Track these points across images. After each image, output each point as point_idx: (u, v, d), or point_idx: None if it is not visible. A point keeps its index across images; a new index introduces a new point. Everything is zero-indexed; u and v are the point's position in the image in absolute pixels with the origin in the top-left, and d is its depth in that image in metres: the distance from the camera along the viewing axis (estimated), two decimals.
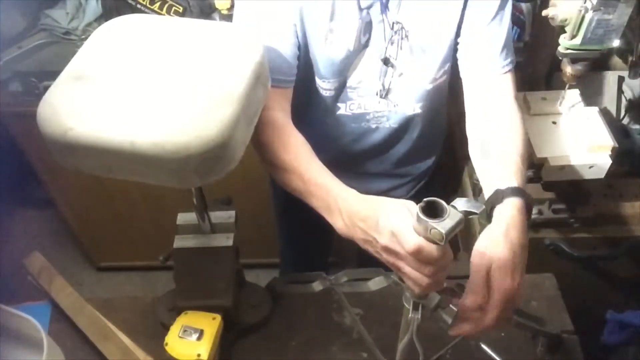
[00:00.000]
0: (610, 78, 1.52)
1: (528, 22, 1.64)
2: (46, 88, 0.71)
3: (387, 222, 0.69)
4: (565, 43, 1.16)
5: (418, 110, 1.08)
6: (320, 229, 1.50)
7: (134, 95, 0.70)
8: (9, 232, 2.31)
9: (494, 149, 0.89)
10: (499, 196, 0.79)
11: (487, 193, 0.83)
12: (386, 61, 0.98)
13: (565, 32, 1.16)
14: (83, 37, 1.64)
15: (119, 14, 0.82)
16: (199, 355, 0.86)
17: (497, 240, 0.73)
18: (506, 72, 0.98)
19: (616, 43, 1.13)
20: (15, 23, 1.66)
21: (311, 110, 1.10)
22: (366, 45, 0.97)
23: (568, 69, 1.21)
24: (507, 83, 0.98)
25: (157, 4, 1.57)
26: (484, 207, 0.64)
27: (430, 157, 1.26)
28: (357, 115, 1.08)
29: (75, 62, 0.74)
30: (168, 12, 1.57)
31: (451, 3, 0.95)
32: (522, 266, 0.74)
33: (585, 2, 1.07)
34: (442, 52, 0.99)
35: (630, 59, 1.33)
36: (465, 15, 0.97)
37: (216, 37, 0.79)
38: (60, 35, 1.67)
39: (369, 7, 0.94)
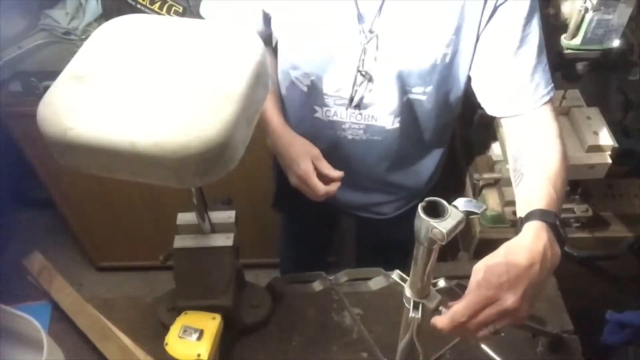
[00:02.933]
0: (611, 78, 1.51)
1: None
2: (46, 88, 0.71)
3: (298, 171, 1.05)
4: (565, 43, 1.16)
5: (396, 125, 1.05)
6: (320, 228, 1.51)
7: (134, 95, 0.69)
8: (9, 232, 2.31)
9: (523, 175, 0.86)
10: (520, 224, 0.78)
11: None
12: (359, 71, 0.98)
13: (565, 32, 1.16)
14: (83, 37, 1.64)
15: (119, 14, 0.82)
16: (199, 355, 0.86)
17: (496, 255, 0.72)
18: (542, 105, 0.91)
19: (616, 43, 1.14)
20: (15, 23, 1.66)
21: (292, 108, 1.12)
22: (340, 52, 0.97)
23: (568, 69, 1.21)
24: (543, 114, 0.92)
25: (157, 4, 1.57)
26: (485, 207, 0.64)
27: (422, 176, 1.22)
28: (333, 123, 1.08)
29: (75, 62, 0.74)
30: (168, 12, 1.57)
31: (438, 28, 0.92)
32: (515, 288, 0.69)
33: (585, 2, 1.07)
34: (420, 70, 0.96)
35: (630, 59, 1.33)
36: (483, 51, 0.92)
37: (216, 37, 0.79)
38: (60, 35, 1.66)
39: (344, 17, 0.94)
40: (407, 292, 0.72)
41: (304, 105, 1.08)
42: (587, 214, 1.35)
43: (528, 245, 0.73)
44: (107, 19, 0.83)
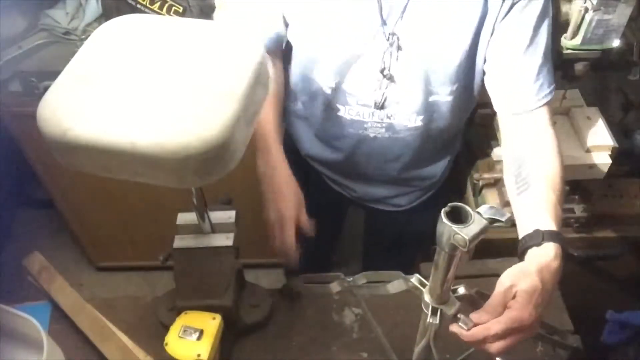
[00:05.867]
0: (610, 78, 1.52)
1: None
2: (46, 88, 0.71)
3: (285, 212, 1.03)
4: (565, 43, 1.16)
5: (418, 123, 1.06)
6: (324, 226, 1.52)
7: (134, 95, 0.69)
8: (9, 232, 2.31)
9: (529, 185, 0.88)
10: (538, 237, 0.79)
11: (522, 229, 0.84)
12: (382, 72, 0.99)
13: (565, 32, 1.16)
14: (83, 37, 1.64)
15: (119, 14, 0.82)
16: (199, 355, 0.86)
17: (529, 273, 0.74)
18: (541, 106, 0.94)
19: (616, 43, 1.14)
20: (15, 23, 1.66)
21: (315, 105, 1.12)
22: (363, 54, 0.98)
23: (568, 69, 1.21)
24: (541, 115, 0.94)
25: (157, 4, 1.57)
26: (509, 215, 0.63)
27: (439, 168, 1.24)
28: (355, 121, 1.08)
29: (75, 62, 0.74)
30: (168, 12, 1.57)
31: (461, 27, 0.93)
32: (542, 308, 0.73)
33: (585, 2, 1.07)
34: (446, 71, 0.97)
35: (630, 59, 1.33)
36: (495, 46, 0.94)
37: (216, 37, 0.79)
38: (60, 35, 1.66)
39: (367, 20, 0.94)
40: (426, 297, 0.72)
41: (327, 105, 1.09)
42: (587, 214, 1.35)
43: (555, 268, 0.77)
44: (107, 19, 0.83)
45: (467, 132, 1.56)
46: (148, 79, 0.72)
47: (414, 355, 0.81)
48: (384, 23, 0.94)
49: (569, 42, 1.15)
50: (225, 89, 0.70)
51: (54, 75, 0.73)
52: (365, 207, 1.36)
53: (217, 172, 0.70)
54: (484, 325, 0.70)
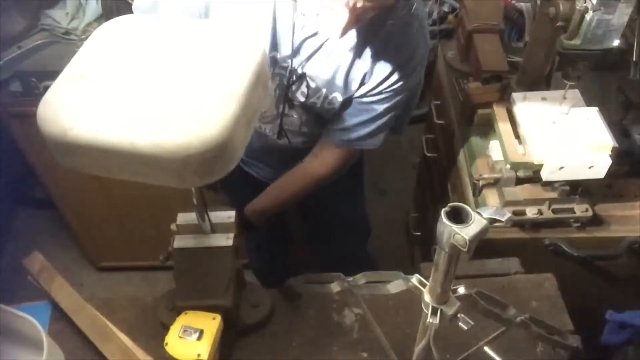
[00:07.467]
0: (610, 78, 1.51)
1: (528, 22, 1.63)
2: (46, 88, 0.71)
3: None
4: (565, 43, 1.16)
5: (306, 130, 1.23)
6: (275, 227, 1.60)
7: (134, 95, 0.70)
8: (9, 232, 2.31)
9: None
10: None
11: None
12: (286, 95, 1.15)
13: (565, 32, 1.16)
14: (83, 37, 1.64)
15: (119, 14, 0.82)
16: (199, 355, 0.86)
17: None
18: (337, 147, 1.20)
19: (616, 43, 1.14)
20: (15, 23, 1.66)
21: None
22: (274, 81, 1.12)
23: (568, 69, 1.21)
24: (332, 157, 1.22)
25: None
26: (509, 215, 0.64)
27: None
28: (261, 134, 1.26)
29: (75, 62, 0.74)
30: None
31: (346, 84, 1.09)
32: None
33: (585, 2, 1.07)
34: (329, 110, 1.14)
35: (630, 59, 1.33)
36: (355, 101, 1.12)
37: (216, 37, 0.79)
38: (60, 35, 1.66)
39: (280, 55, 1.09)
40: (426, 297, 0.72)
41: None
42: (587, 214, 1.35)
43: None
44: (107, 19, 0.83)
45: (467, 132, 1.57)
46: (148, 78, 0.72)
47: (414, 355, 0.81)
48: (293, 56, 1.09)
49: (569, 42, 1.15)
50: (225, 89, 0.70)
51: (54, 75, 0.73)
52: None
53: (217, 172, 0.70)
54: None
